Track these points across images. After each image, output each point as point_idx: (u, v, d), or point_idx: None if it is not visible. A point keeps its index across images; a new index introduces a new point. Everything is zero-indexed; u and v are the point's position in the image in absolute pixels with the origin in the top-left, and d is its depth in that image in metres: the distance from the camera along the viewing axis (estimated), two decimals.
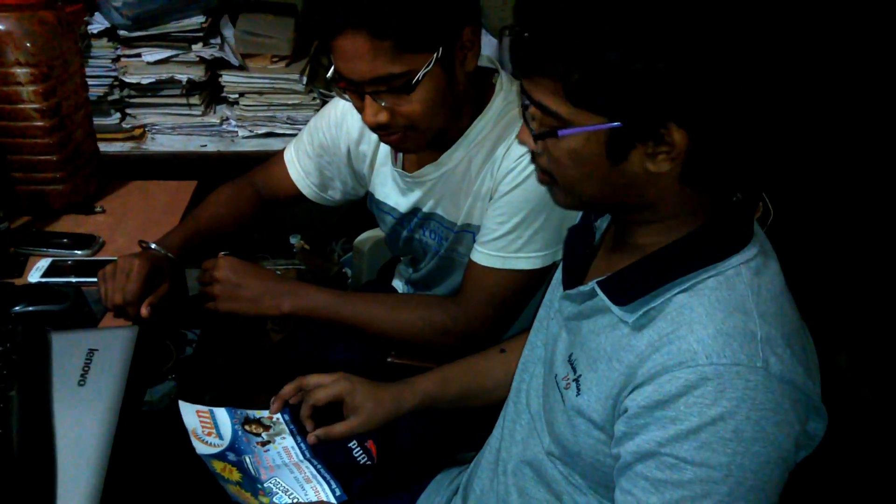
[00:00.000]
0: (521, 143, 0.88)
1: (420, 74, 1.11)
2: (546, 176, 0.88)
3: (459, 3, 1.15)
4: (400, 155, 1.39)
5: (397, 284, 1.65)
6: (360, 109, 1.19)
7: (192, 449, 1.14)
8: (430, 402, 1.19)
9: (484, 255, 1.28)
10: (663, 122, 0.77)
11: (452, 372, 1.22)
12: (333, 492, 1.07)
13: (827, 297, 1.88)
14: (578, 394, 0.90)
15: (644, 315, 0.84)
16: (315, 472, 1.10)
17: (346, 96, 1.21)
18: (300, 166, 1.50)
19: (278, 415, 1.19)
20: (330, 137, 1.45)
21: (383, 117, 1.16)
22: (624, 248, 0.92)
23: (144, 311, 1.25)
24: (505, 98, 1.27)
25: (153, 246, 1.35)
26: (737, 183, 0.86)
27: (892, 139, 2.17)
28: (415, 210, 1.39)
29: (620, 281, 0.87)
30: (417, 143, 1.22)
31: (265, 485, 1.08)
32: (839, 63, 2.13)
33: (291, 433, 1.17)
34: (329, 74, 1.19)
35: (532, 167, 1.20)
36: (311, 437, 1.13)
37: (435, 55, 1.11)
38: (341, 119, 1.44)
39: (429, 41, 1.11)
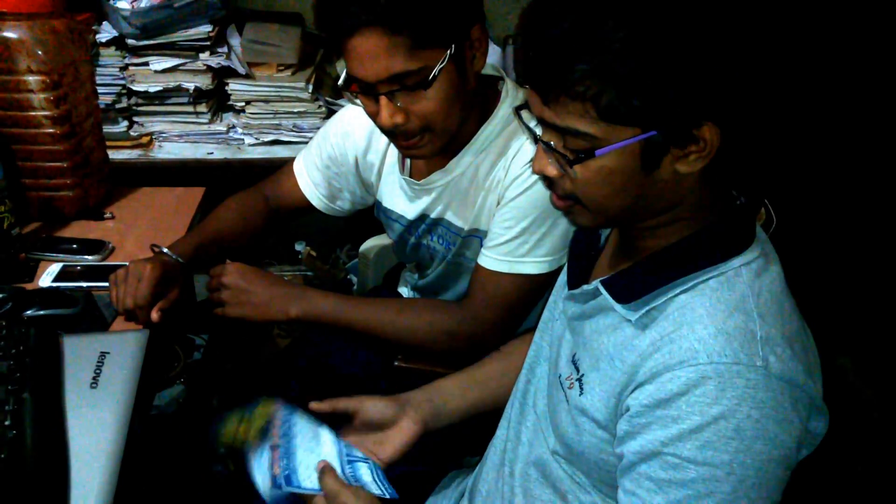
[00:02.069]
0: (539, 173, 0.87)
1: (436, 70, 1.12)
2: (568, 201, 0.88)
3: (467, 1, 1.16)
4: (407, 163, 1.40)
5: (403, 291, 1.66)
6: (374, 114, 1.19)
7: (203, 453, 1.15)
8: (431, 425, 1.15)
9: (491, 259, 1.29)
10: (699, 122, 0.78)
11: (456, 385, 1.20)
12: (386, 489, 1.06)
13: (830, 300, 1.88)
14: (582, 393, 0.91)
15: (646, 314, 0.85)
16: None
17: (358, 101, 1.21)
18: (309, 178, 1.51)
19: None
20: (338, 149, 1.47)
21: (399, 118, 1.16)
22: (628, 250, 0.93)
23: (155, 315, 1.26)
24: (511, 104, 1.28)
25: (165, 250, 1.36)
26: (754, 179, 0.88)
27: (894, 143, 2.17)
28: (422, 217, 1.40)
29: (624, 280, 0.89)
30: (431, 147, 1.22)
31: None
32: (841, 66, 2.14)
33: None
34: (341, 80, 1.19)
35: None
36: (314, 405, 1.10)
37: (448, 52, 1.12)
38: (349, 130, 1.45)
39: (442, 37, 1.12)
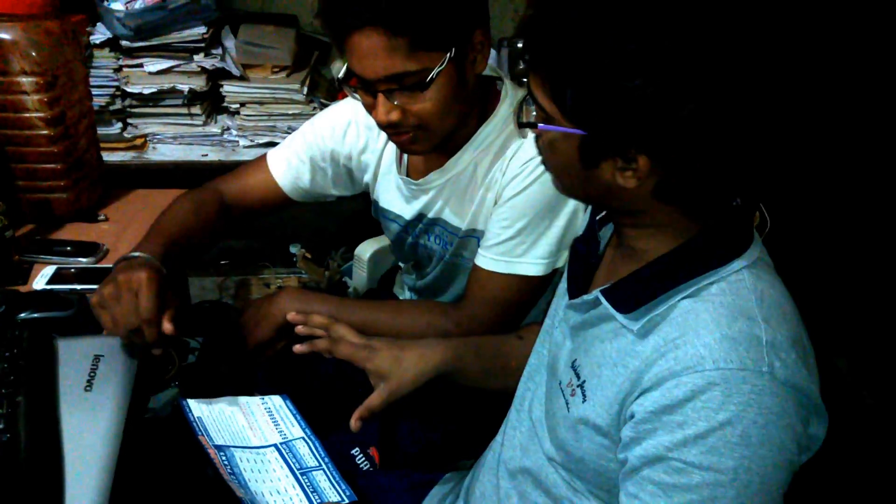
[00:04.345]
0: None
1: (434, 72, 1.13)
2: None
3: (471, 5, 1.17)
4: (405, 162, 1.39)
5: (398, 293, 1.66)
6: (371, 108, 1.20)
7: (196, 456, 1.15)
8: (457, 363, 1.14)
9: (488, 259, 1.29)
10: (625, 144, 0.79)
11: (480, 343, 1.21)
12: (343, 491, 1.08)
13: (827, 301, 1.89)
14: (585, 400, 0.90)
15: (649, 321, 0.85)
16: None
17: (357, 95, 1.22)
18: (289, 169, 1.46)
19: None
20: (331, 144, 1.44)
21: (395, 116, 1.17)
22: (626, 256, 0.93)
23: (168, 326, 1.11)
24: (510, 105, 1.28)
25: (139, 255, 1.20)
26: (714, 199, 0.87)
27: (889, 144, 2.19)
28: (420, 216, 1.40)
29: (624, 289, 0.88)
30: (427, 144, 1.23)
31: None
32: (828, 70, 2.15)
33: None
34: (341, 74, 1.20)
35: (538, 173, 1.22)
36: (354, 423, 1.08)
37: (448, 55, 1.13)
38: (346, 127, 1.43)
39: (443, 40, 1.12)
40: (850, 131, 2.22)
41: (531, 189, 1.24)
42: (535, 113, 0.87)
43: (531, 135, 0.92)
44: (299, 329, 1.16)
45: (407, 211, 1.41)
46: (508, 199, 1.26)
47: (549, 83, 0.82)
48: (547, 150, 0.89)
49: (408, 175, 1.39)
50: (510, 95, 1.29)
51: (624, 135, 0.79)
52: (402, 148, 1.30)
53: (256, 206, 1.48)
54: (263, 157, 1.49)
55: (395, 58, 1.11)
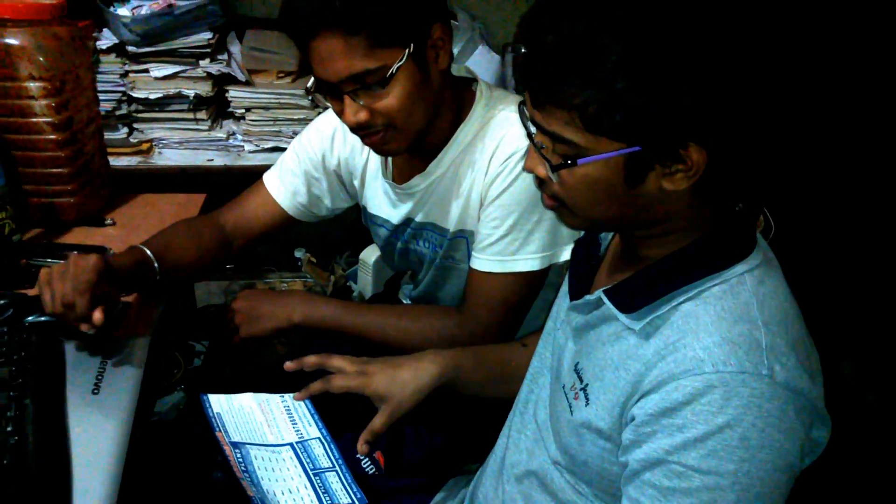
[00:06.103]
0: (530, 171, 0.89)
1: (394, 68, 1.14)
2: (555, 201, 0.89)
3: (427, 0, 1.18)
4: (390, 167, 1.40)
5: (402, 299, 1.66)
6: (340, 113, 1.21)
7: (202, 459, 1.16)
8: (455, 373, 1.16)
9: (483, 261, 1.30)
10: (683, 142, 0.78)
11: (480, 351, 1.22)
12: (355, 494, 1.09)
13: (831, 305, 1.89)
14: (588, 404, 0.91)
15: (650, 323, 0.85)
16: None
17: (328, 103, 1.23)
18: (285, 188, 1.47)
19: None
20: (321, 152, 1.45)
21: (363, 116, 1.18)
22: (629, 259, 0.93)
23: (98, 316, 1.08)
24: (486, 104, 1.30)
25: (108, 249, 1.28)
26: (746, 194, 0.88)
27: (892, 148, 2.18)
28: (407, 220, 1.41)
29: (627, 289, 0.89)
30: (399, 143, 1.23)
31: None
32: (836, 68, 2.15)
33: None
34: (309, 83, 1.21)
35: (519, 168, 1.22)
36: (361, 447, 1.10)
37: (407, 51, 1.14)
38: (332, 135, 1.44)
39: (400, 36, 1.14)
40: (855, 134, 2.21)
41: (515, 185, 1.24)
42: (554, 153, 0.84)
43: (511, 133, 0.90)
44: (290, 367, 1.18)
45: (394, 216, 1.42)
46: (494, 198, 1.26)
47: (584, 114, 0.78)
48: (581, 187, 0.83)
49: (393, 180, 1.39)
50: (485, 95, 1.30)
51: (683, 133, 0.78)
52: (376, 149, 1.30)
53: (257, 231, 1.49)
54: (260, 181, 1.50)
55: (354, 57, 1.12)
